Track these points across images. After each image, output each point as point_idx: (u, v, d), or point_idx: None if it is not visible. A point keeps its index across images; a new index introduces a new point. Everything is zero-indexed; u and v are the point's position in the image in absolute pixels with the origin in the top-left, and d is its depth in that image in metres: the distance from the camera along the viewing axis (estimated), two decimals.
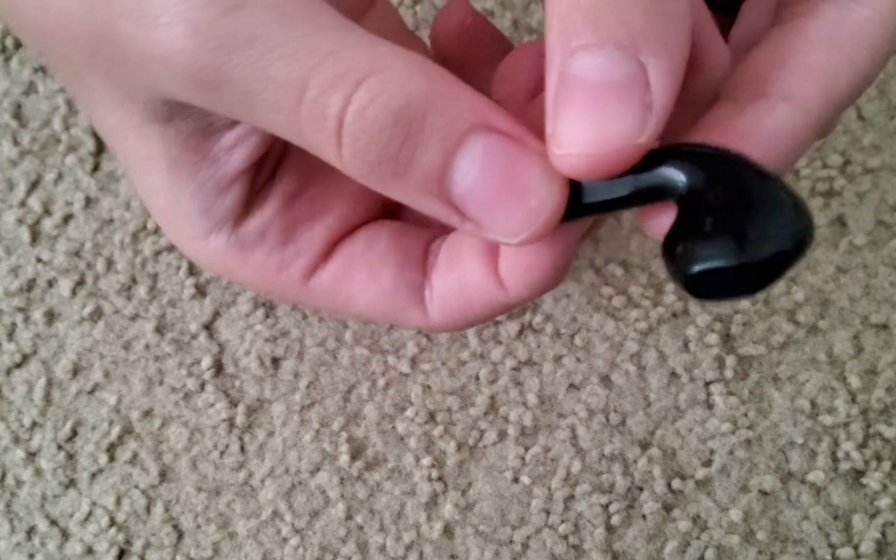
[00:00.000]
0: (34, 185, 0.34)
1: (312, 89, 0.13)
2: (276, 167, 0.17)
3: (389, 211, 0.19)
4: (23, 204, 0.33)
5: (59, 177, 0.34)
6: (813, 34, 0.15)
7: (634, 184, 0.13)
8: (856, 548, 0.29)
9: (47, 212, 0.33)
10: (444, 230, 0.18)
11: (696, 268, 0.12)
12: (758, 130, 0.15)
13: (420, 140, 0.13)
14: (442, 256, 0.17)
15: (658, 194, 0.13)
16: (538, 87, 0.17)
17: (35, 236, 0.33)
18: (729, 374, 0.30)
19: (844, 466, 0.30)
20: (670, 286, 0.31)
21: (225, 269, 0.17)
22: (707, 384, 0.30)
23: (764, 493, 0.30)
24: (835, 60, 0.15)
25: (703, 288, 0.13)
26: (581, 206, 0.14)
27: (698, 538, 0.30)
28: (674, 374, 0.31)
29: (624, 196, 0.14)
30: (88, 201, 0.33)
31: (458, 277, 0.17)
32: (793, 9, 0.16)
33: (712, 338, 0.31)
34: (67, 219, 0.33)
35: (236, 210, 0.17)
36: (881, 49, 0.15)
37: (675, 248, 0.13)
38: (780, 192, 0.12)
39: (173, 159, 0.15)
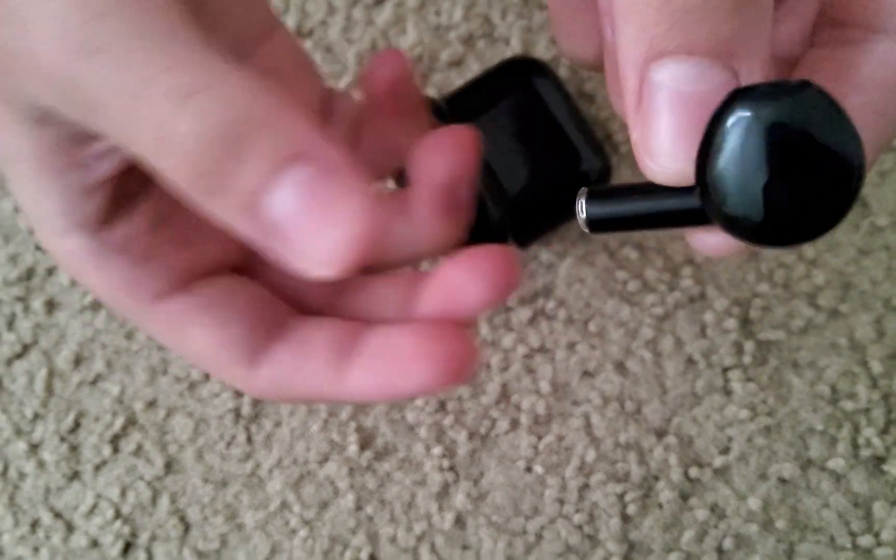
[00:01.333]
0: None
1: (145, 99, 0.13)
2: (148, 184, 0.17)
3: (258, 265, 0.20)
4: None
5: None
6: (865, 73, 0.14)
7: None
8: (876, 535, 0.29)
9: None
10: (303, 309, 0.19)
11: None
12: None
13: (239, 161, 0.13)
14: (294, 334, 0.18)
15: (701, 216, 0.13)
16: (453, 175, 0.18)
17: None
18: (747, 359, 0.30)
19: (865, 453, 0.29)
20: (687, 270, 0.30)
21: (78, 271, 0.17)
22: (725, 370, 0.30)
23: (783, 481, 0.29)
24: (890, 104, 0.14)
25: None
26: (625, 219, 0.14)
27: (716, 527, 0.29)
28: (691, 361, 0.30)
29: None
30: None
31: (301, 360, 0.17)
32: (842, 33, 0.15)
33: (730, 323, 0.30)
34: None
35: (98, 216, 0.17)
36: None
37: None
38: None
39: (42, 159, 0.16)
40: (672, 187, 0.13)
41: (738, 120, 0.11)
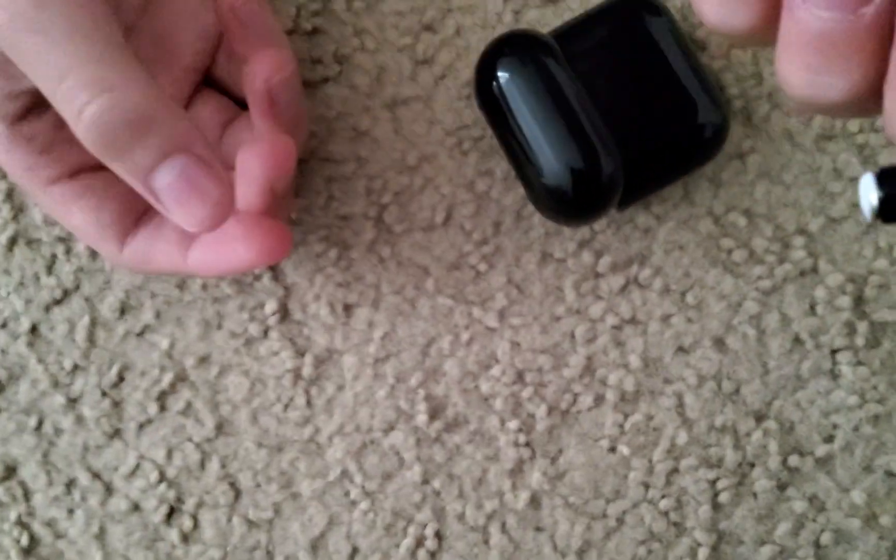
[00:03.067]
0: None
1: (67, 82, 0.19)
2: None
3: None
4: None
5: None
6: None
7: None
8: None
9: None
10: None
11: None
12: None
13: (137, 146, 0.19)
14: (153, 219, 0.25)
15: None
16: (270, 86, 0.23)
17: None
18: (859, 341, 0.28)
19: None
20: (799, 240, 0.28)
21: None
22: (834, 352, 0.28)
23: (890, 475, 0.28)
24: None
25: None
26: None
27: (814, 520, 0.28)
28: (797, 340, 0.28)
29: None
30: None
31: (156, 241, 0.24)
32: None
33: (843, 300, 0.28)
34: None
35: (16, 114, 0.23)
36: None
37: None
38: None
39: None
40: None
41: None
